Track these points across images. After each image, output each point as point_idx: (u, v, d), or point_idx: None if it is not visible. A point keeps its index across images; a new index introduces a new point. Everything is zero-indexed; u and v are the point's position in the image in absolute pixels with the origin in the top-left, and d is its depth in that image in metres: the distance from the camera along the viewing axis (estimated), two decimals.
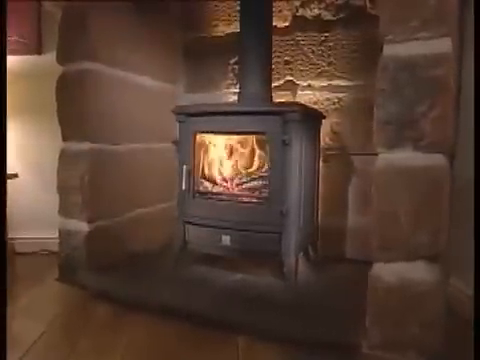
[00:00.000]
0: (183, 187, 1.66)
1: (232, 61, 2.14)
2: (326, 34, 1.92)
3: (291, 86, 1.99)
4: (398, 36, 1.15)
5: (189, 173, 1.66)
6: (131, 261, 1.87)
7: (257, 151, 1.74)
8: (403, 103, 1.14)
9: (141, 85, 2.00)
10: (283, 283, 1.55)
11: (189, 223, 1.69)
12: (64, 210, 1.78)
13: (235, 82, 2.14)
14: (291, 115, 1.48)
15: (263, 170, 1.70)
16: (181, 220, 1.71)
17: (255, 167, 1.74)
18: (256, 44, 1.70)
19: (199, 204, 1.69)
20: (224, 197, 1.71)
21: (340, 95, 1.91)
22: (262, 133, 1.59)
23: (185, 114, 1.69)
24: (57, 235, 1.81)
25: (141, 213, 2.02)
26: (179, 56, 2.28)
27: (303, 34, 1.97)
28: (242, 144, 1.77)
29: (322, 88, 1.94)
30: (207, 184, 1.76)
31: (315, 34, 1.95)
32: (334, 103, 1.91)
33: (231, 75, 2.15)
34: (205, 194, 1.73)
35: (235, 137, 1.77)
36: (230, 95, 2.15)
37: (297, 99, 1.97)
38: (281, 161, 1.51)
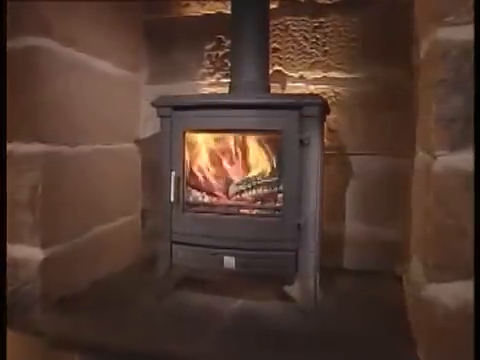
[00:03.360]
0: (171, 198, 1.33)
1: (208, 47, 1.83)
2: (321, 19, 1.68)
3: (280, 77, 1.73)
4: (461, 17, 0.98)
5: (178, 181, 1.34)
6: (99, 293, 1.49)
7: (263, 152, 1.45)
8: (470, 96, 0.97)
9: (102, 72, 1.63)
10: (301, 309, 1.31)
11: (178, 243, 1.36)
12: (8, 232, 1.35)
13: (212, 72, 1.84)
14: (310, 109, 1.24)
15: (271, 175, 1.43)
16: (166, 239, 1.38)
17: (261, 172, 1.45)
18: (251, 25, 1.43)
19: (191, 219, 1.36)
20: (223, 210, 1.39)
21: (337, 89, 1.69)
22: (274, 131, 1.32)
23: (170, 107, 1.36)
24: None
25: (105, 230, 1.65)
26: (141, 40, 1.91)
27: (294, 18, 1.71)
28: (244, 144, 1.47)
29: (316, 80, 1.71)
30: (200, 194, 1.44)
31: (308, 19, 1.70)
32: (330, 98, 1.68)
33: (207, 63, 1.84)
34: (198, 206, 1.41)
35: (235, 135, 1.47)
36: (204, 87, 1.85)
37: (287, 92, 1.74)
38: (298, 165, 1.25)
